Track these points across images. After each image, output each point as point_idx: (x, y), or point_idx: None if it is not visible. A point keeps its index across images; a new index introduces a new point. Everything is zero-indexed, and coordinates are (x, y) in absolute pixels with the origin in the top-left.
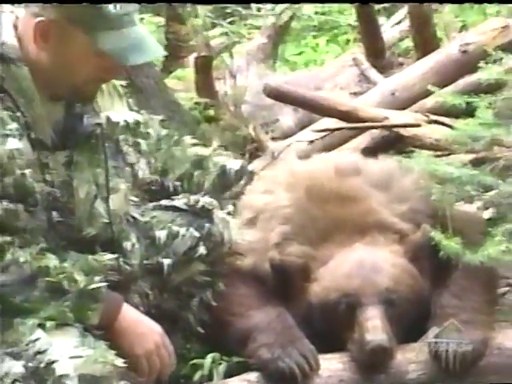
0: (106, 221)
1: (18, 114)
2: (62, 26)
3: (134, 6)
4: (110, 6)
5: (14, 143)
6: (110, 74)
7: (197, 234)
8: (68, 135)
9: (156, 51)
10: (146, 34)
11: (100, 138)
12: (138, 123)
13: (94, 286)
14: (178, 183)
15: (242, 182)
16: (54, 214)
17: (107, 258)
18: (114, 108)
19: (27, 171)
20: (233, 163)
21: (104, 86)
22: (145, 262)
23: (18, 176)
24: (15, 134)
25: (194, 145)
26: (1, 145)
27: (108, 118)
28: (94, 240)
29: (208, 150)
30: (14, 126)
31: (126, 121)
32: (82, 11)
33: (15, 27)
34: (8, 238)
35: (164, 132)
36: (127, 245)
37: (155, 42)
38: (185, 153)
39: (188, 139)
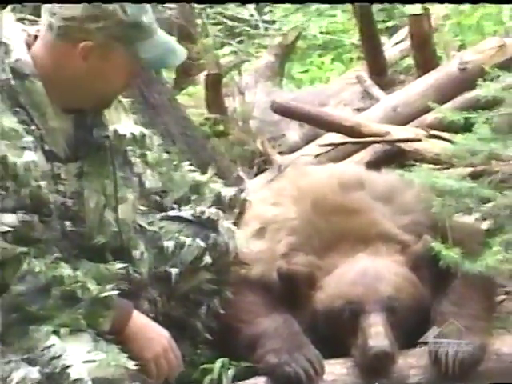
0: (116, 229)
1: (33, 127)
2: (105, 44)
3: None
4: (143, 18)
5: (29, 155)
6: (133, 79)
7: (203, 244)
8: (79, 147)
9: (183, 51)
10: (169, 37)
11: (108, 149)
12: (143, 136)
13: (105, 293)
14: (175, 205)
15: (236, 210)
16: (67, 223)
17: (118, 266)
18: (121, 122)
19: (42, 183)
20: (227, 190)
21: None
22: (153, 270)
23: (34, 187)
24: (31, 146)
25: (192, 171)
26: (18, 157)
27: (115, 131)
28: (104, 248)
29: (205, 177)
30: (29, 138)
31: (132, 133)
32: (122, 27)
33: (28, 45)
34: (24, 249)
35: (165, 156)
36: (136, 253)
37: (177, 43)
38: (184, 178)
39: (186, 165)
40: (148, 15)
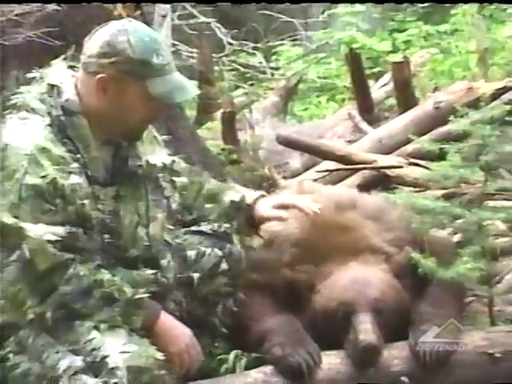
0: (147, 243)
1: (78, 155)
2: (118, 78)
3: (170, 55)
4: (153, 58)
5: (75, 179)
6: (157, 114)
7: (220, 253)
8: (116, 174)
9: (193, 90)
10: (184, 78)
11: (141, 177)
12: (173, 164)
13: (138, 296)
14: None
15: (241, 213)
16: (106, 236)
17: (148, 273)
18: (155, 153)
19: (86, 201)
20: (234, 195)
21: (145, 135)
22: (178, 276)
23: (79, 205)
24: (76, 171)
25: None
26: (65, 180)
27: (147, 161)
28: (136, 259)
29: (222, 185)
30: (75, 165)
31: (163, 162)
32: (131, 63)
33: (76, 86)
34: (71, 256)
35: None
36: (164, 262)
37: (191, 84)
38: (204, 197)
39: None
40: (160, 57)
